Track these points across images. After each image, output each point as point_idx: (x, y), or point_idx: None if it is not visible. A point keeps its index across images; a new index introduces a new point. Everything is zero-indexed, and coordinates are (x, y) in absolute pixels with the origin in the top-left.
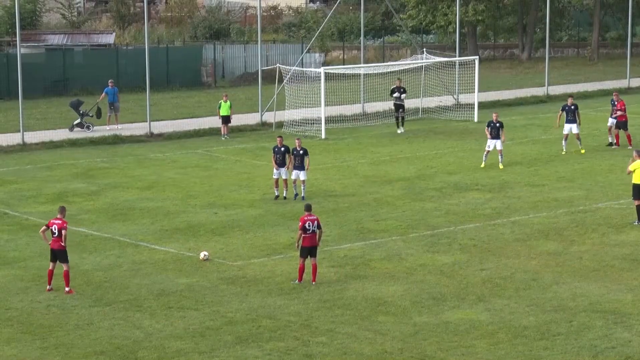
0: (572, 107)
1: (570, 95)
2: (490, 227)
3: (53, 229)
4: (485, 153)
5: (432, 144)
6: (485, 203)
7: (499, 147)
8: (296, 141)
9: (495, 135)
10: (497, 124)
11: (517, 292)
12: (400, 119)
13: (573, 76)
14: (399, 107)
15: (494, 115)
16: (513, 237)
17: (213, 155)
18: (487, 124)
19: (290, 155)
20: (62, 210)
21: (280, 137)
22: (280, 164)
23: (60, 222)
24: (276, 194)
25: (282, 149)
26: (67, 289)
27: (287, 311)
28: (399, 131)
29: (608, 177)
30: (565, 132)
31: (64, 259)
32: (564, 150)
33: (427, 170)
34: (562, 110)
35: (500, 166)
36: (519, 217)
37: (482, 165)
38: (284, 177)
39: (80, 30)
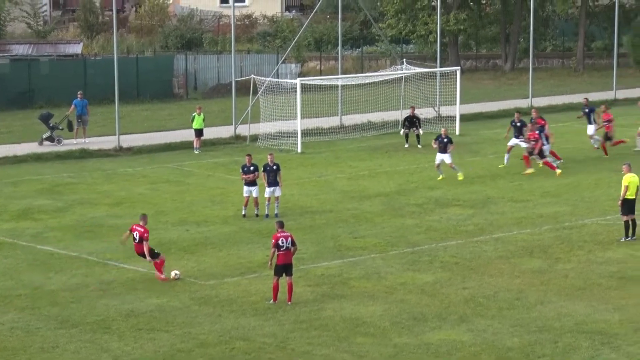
0: (519, 123)
1: (518, 111)
2: (473, 244)
3: (135, 235)
4: (436, 166)
5: (413, 157)
6: (468, 219)
7: (447, 160)
8: (268, 156)
9: (443, 150)
10: (445, 139)
11: (501, 312)
12: (416, 137)
13: (558, 87)
14: (412, 126)
15: (442, 130)
16: (496, 255)
17: (185, 170)
18: (435, 137)
19: (262, 173)
20: (144, 217)
21: (249, 155)
22: (252, 183)
23: (142, 229)
24: (243, 213)
25: (252, 167)
26: (158, 273)
27: (261, 332)
28: (407, 145)
29: (594, 193)
30: (511, 144)
31: (155, 256)
32: (505, 163)
33: (408, 185)
34: (511, 125)
35: (460, 177)
36: (503, 233)
37: (440, 177)
38: (254, 195)
39: (46, 40)
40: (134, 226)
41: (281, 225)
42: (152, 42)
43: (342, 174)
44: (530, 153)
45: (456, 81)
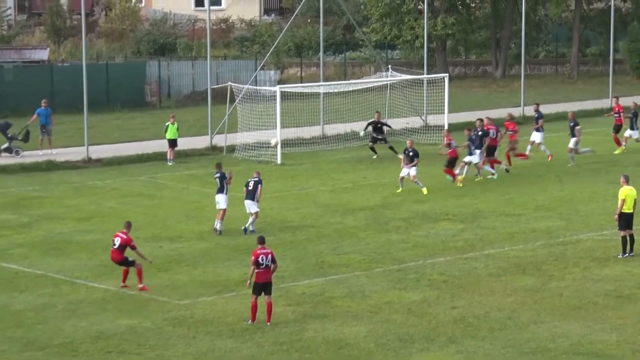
0: (480, 132)
1: (480, 119)
2: (462, 260)
3: (115, 241)
4: (400, 179)
5: (399, 169)
6: (457, 234)
7: (412, 173)
8: (255, 172)
9: (409, 162)
10: (411, 152)
11: (492, 333)
12: (390, 149)
13: (551, 95)
14: (377, 139)
15: (408, 142)
16: (487, 272)
17: (158, 183)
18: (403, 150)
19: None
20: (128, 225)
21: (218, 163)
22: (218, 191)
23: (126, 237)
24: (216, 227)
25: (218, 174)
26: (140, 285)
27: (239, 355)
28: (375, 157)
29: (589, 206)
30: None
31: (130, 264)
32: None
33: (393, 198)
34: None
35: (424, 191)
36: (494, 249)
37: (399, 190)
38: (222, 206)
39: (10, 46)
40: (117, 233)
41: (262, 241)
42: (123, 48)
43: (324, 187)
44: (451, 164)
45: (444, 89)
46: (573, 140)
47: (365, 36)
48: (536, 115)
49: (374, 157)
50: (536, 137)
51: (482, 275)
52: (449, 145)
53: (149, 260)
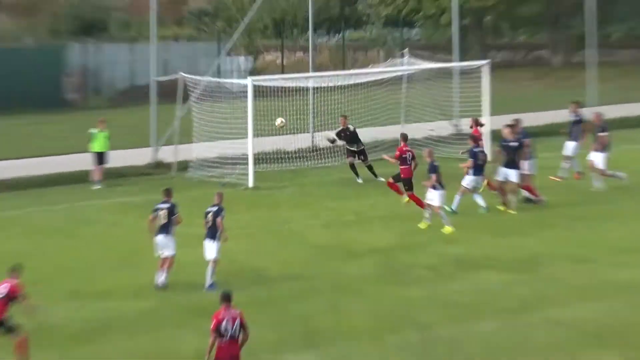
0: (516, 143)
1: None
2: (514, 327)
3: None
4: (425, 206)
5: (420, 195)
6: (506, 289)
7: (436, 202)
8: (215, 196)
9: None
10: (428, 167)
11: None
12: (368, 168)
13: (630, 91)
14: (354, 152)
15: (425, 151)
16: (550, 343)
17: (79, 215)
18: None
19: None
20: (16, 270)
21: (168, 189)
22: (161, 230)
23: (15, 282)
24: (155, 282)
25: (166, 205)
26: None
27: None
28: (359, 180)
29: None
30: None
31: (11, 330)
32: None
33: (414, 236)
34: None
35: (446, 230)
36: (558, 310)
37: (424, 224)
38: (167, 253)
39: None
40: (3, 281)
41: (227, 298)
42: (36, 26)
43: (316, 220)
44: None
45: (483, 82)
46: (602, 155)
47: (371, 10)
48: (575, 119)
49: (359, 180)
50: (568, 149)
51: (543, 347)
52: (404, 159)
53: (44, 309)
